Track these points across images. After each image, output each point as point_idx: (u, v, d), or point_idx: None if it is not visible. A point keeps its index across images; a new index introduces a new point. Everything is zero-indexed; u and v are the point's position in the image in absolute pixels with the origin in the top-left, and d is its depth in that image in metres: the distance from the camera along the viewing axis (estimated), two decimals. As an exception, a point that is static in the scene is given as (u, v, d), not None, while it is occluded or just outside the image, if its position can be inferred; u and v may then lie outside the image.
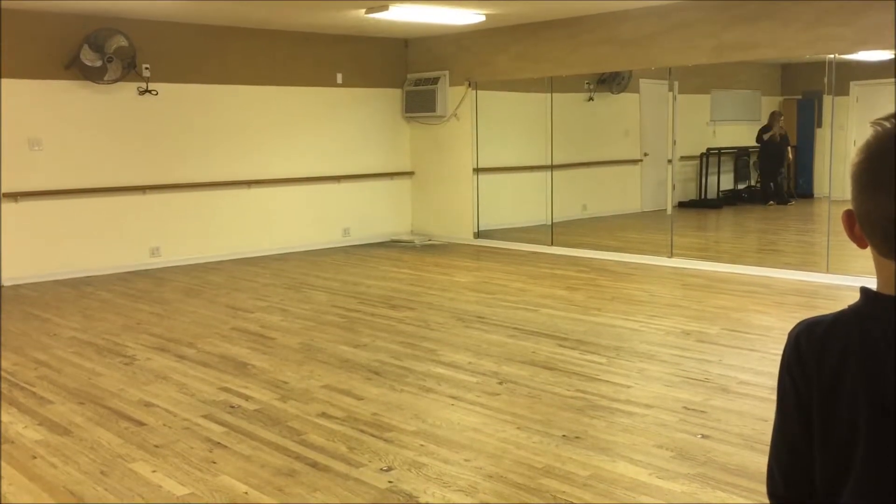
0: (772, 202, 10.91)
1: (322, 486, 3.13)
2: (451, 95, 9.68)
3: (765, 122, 10.41)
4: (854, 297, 1.08)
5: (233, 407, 4.06)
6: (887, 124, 1.01)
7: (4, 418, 3.95)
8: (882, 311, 1.03)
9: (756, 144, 10.45)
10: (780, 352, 1.13)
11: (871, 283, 1.07)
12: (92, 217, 7.88)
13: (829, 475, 1.07)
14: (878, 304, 1.04)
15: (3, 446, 3.59)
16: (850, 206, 1.06)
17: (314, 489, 3.10)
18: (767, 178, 10.89)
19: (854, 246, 1.08)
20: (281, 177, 9.09)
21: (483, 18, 8.26)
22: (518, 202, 10.15)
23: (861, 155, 1.03)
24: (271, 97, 8.97)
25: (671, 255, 8.06)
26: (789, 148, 10.46)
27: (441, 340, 5.27)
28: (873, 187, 1.01)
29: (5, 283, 7.43)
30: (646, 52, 8.01)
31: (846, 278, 6.63)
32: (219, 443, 3.58)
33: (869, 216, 1.02)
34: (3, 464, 3.40)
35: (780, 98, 10.71)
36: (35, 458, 3.46)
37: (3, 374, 4.70)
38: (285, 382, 4.45)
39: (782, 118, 10.30)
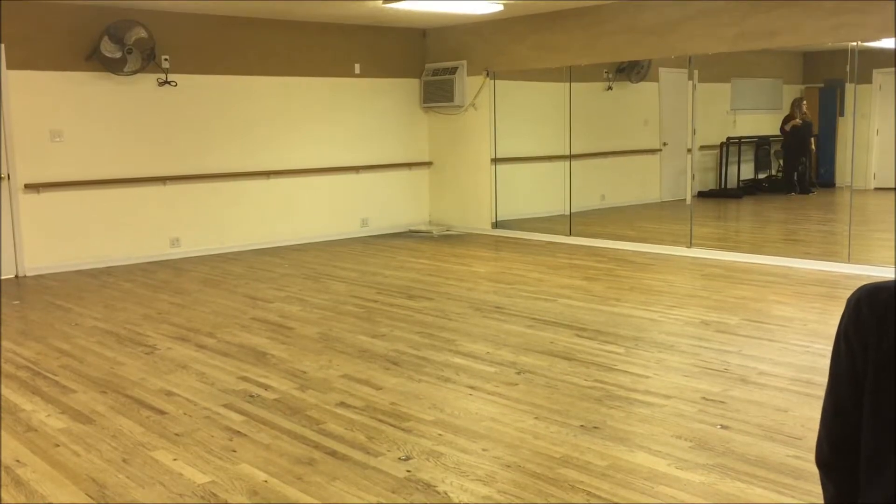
0: (793, 192, 10.80)
1: (341, 474, 3.15)
2: (469, 85, 9.66)
3: (786, 110, 10.29)
4: None
5: (252, 396, 4.09)
6: None
7: (27, 406, 4.01)
8: None
9: (778, 134, 10.34)
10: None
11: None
12: (113, 208, 7.95)
13: (875, 445, 1.04)
14: None
15: (26, 434, 3.64)
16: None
17: (333, 478, 3.12)
18: (791, 168, 10.77)
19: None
20: (299, 167, 9.12)
21: (501, 8, 8.22)
22: (536, 192, 10.12)
23: None
24: (290, 88, 8.99)
25: (690, 245, 8.02)
26: (812, 138, 10.32)
27: (459, 330, 5.28)
28: None
29: (28, 273, 7.52)
30: (665, 40, 7.95)
31: (868, 268, 6.55)
32: (239, 431, 3.61)
33: None
34: (27, 451, 3.45)
35: (802, 86, 10.59)
36: (58, 445, 3.51)
37: (26, 363, 4.76)
38: (304, 372, 4.47)
39: (805, 104, 10.17)
